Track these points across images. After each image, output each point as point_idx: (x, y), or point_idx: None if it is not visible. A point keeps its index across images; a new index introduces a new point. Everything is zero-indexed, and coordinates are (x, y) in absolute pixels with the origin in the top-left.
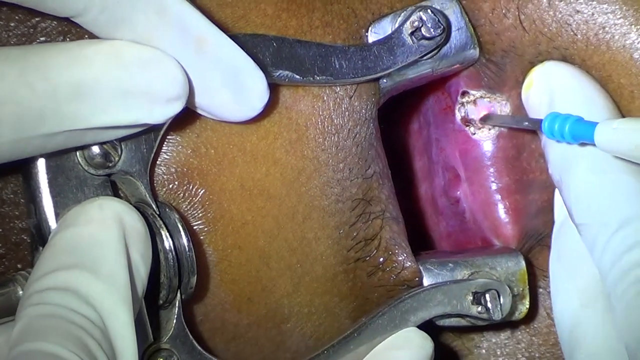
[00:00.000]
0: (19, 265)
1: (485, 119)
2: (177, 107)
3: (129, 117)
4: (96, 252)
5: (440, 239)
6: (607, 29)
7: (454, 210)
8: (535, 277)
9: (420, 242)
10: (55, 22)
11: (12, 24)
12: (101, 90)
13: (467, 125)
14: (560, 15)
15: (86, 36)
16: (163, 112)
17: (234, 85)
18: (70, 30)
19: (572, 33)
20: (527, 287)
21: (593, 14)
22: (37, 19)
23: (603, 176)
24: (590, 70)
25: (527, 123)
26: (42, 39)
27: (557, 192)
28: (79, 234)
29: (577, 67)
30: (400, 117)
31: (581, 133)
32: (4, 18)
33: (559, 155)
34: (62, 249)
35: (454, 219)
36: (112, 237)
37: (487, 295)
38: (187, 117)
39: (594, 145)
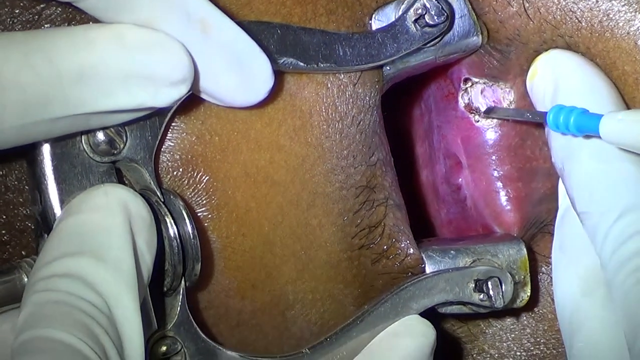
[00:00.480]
0: (23, 252)
1: (489, 112)
2: (182, 90)
3: (133, 101)
4: (102, 239)
5: (441, 225)
6: (611, 15)
7: (455, 197)
8: (538, 264)
9: (421, 228)
10: (59, 9)
11: (17, 11)
12: (105, 74)
13: (470, 113)
14: (564, 3)
15: (90, 23)
16: (168, 95)
17: (239, 69)
18: (74, 17)
19: (576, 20)
20: (529, 274)
21: (597, 1)
22: (41, 5)
23: (606, 165)
24: (595, 58)
25: (531, 116)
26: (46, 25)
27: (560, 181)
28: (84, 221)
29: (582, 56)
30: (401, 103)
31: (586, 125)
32: (9, 4)
33: (562, 144)
34: (68, 236)
35: (455, 206)
36: (117, 223)
37: (489, 283)
38: (192, 104)
39: (599, 137)
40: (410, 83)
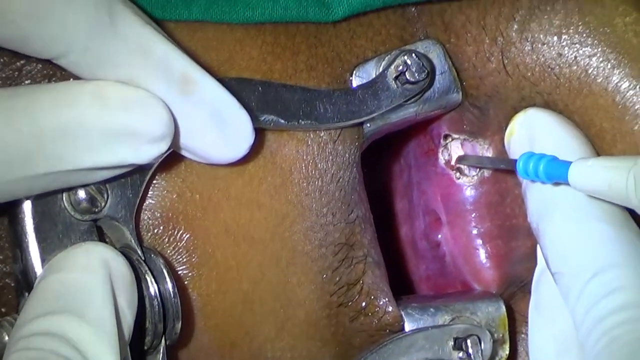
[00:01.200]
0: (2, 309)
1: (460, 160)
2: (162, 147)
3: (114, 158)
4: (83, 297)
5: (419, 281)
6: (589, 72)
7: (434, 253)
8: (517, 322)
9: (399, 284)
10: (40, 65)
11: None
12: (86, 131)
13: (451, 169)
14: (543, 59)
15: (71, 79)
16: (149, 152)
17: (219, 125)
18: (55, 73)
19: (555, 77)
20: (507, 332)
21: (576, 57)
22: (22, 61)
23: (578, 224)
24: (573, 115)
25: (501, 163)
26: (27, 82)
27: None
28: (65, 279)
29: (559, 115)
30: (380, 159)
31: (555, 172)
32: None
33: (536, 204)
34: (49, 294)
35: (434, 262)
36: (98, 282)
37: (469, 341)
38: (173, 161)
39: (568, 184)
40: (390, 139)
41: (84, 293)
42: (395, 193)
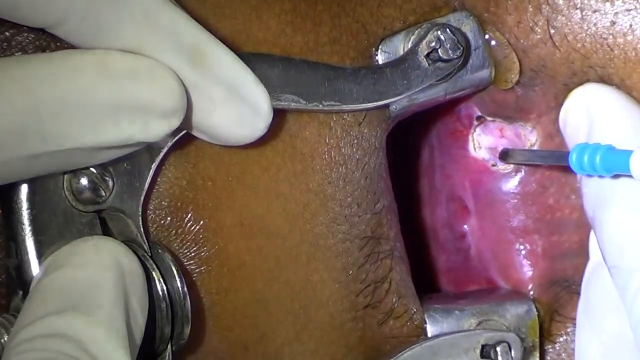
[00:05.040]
0: None
1: (504, 157)
2: (174, 123)
3: (121, 135)
4: (92, 296)
5: (438, 273)
6: None
7: (457, 245)
8: (561, 324)
9: (414, 274)
10: (32, 35)
11: None
12: (89, 105)
13: (483, 155)
14: (595, 29)
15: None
16: (159, 128)
17: (234, 102)
18: (49, 44)
19: (608, 49)
20: (538, 339)
21: (631, 25)
22: (11, 31)
23: (637, 215)
24: (631, 91)
25: (551, 158)
26: (17, 54)
27: (592, 233)
28: (73, 276)
29: (620, 90)
30: (392, 136)
31: (615, 163)
32: None
33: (593, 190)
34: (54, 292)
35: (456, 254)
36: (109, 280)
37: (498, 349)
38: (183, 144)
39: (630, 176)
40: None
41: (94, 291)
42: (412, 174)
